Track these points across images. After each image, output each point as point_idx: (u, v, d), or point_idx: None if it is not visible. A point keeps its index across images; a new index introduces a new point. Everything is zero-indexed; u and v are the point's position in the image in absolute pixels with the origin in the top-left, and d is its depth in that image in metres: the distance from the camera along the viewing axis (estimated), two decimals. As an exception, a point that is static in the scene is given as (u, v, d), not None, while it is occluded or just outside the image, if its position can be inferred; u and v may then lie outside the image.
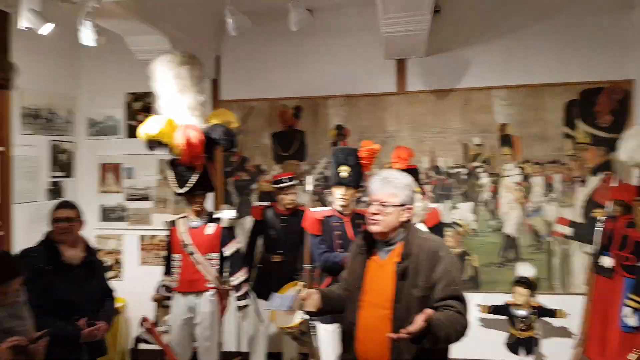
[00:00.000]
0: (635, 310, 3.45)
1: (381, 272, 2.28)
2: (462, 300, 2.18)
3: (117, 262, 5.10)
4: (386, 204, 2.24)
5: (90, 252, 3.19)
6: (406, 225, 2.31)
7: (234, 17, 3.08)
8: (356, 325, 2.29)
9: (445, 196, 4.60)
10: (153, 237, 5.04)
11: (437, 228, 3.72)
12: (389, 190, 2.26)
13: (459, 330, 2.10)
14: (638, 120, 4.15)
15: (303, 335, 3.72)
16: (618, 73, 4.29)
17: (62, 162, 4.88)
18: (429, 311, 1.98)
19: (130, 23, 3.60)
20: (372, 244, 2.37)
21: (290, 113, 4.84)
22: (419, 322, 1.94)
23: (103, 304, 3.20)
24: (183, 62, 3.51)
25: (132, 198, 5.08)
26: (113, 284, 4.76)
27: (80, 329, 2.92)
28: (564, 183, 4.41)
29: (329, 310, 2.46)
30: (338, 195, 3.48)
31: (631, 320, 3.49)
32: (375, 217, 2.26)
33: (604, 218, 4.03)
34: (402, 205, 2.26)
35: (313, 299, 2.34)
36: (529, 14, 4.44)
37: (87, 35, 3.26)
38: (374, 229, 2.28)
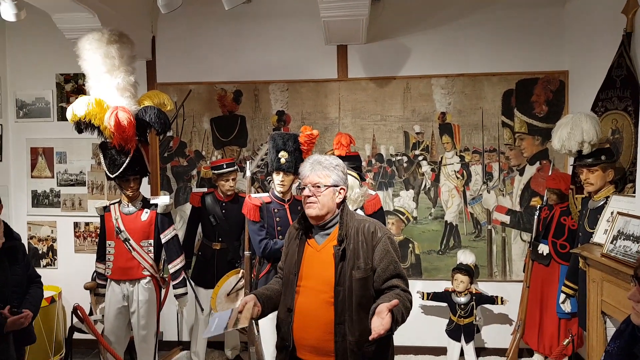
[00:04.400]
0: (570, 296, 3.52)
1: (319, 256, 2.26)
2: (402, 277, 2.22)
3: (51, 249, 4.90)
4: (319, 185, 2.22)
5: (11, 237, 3.00)
6: (341, 207, 2.29)
7: (164, -7, 2.96)
8: (294, 312, 2.25)
9: (387, 184, 4.63)
10: (88, 224, 4.88)
11: (379, 215, 3.71)
12: (320, 171, 2.24)
13: (408, 307, 2.13)
14: (572, 109, 4.27)
15: (244, 324, 3.68)
16: (553, 64, 4.41)
17: (-11, 145, 4.66)
18: (394, 302, 2.00)
19: (56, -2, 3.42)
20: (308, 229, 2.34)
21: (230, 98, 4.74)
22: (385, 314, 1.95)
23: (28, 291, 3.05)
24: (112, 40, 3.34)
25: (66, 183, 4.89)
26: (47, 271, 4.67)
27: (4, 317, 2.77)
28: (503, 171, 4.51)
29: (272, 309, 2.37)
30: (277, 181, 3.45)
31: (566, 307, 3.58)
32: (310, 199, 2.23)
33: (540, 206, 4.15)
34: (335, 185, 2.25)
35: (247, 309, 2.20)
36: (467, 4, 4.49)
37: (6, 10, 3.09)
38: (311, 212, 2.25)
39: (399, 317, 2.02)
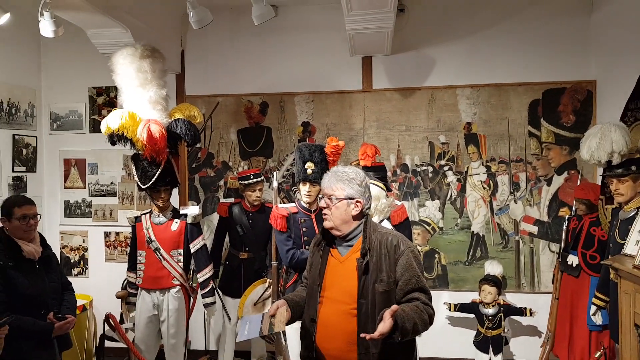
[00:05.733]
0: (601, 308, 3.45)
1: (342, 268, 2.27)
2: (425, 291, 2.20)
3: (82, 258, 5.02)
4: (332, 197, 2.25)
5: (46, 246, 3.12)
6: (364, 220, 2.30)
7: (195, 9, 3.05)
8: (316, 322, 2.26)
9: (413, 194, 4.62)
10: (118, 233, 4.98)
11: (404, 225, 3.71)
12: (334, 184, 2.27)
13: (425, 319, 2.11)
14: (600, 119, 4.21)
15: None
16: (580, 74, 4.37)
17: (24, 157, 4.79)
18: (394, 307, 1.99)
19: (91, 15, 3.53)
20: (331, 239, 2.35)
21: (256, 109, 4.82)
22: (387, 319, 1.94)
23: (63, 297, 3.15)
24: (145, 55, 3.45)
25: (97, 194, 5.02)
26: (79, 280, 4.78)
27: (52, 323, 2.88)
28: (530, 181, 4.48)
29: (300, 316, 2.38)
30: (304, 192, 3.47)
31: (597, 319, 3.51)
32: (325, 211, 2.27)
33: (569, 217, 4.09)
34: (349, 198, 2.25)
35: (281, 314, 2.22)
36: (493, 14, 4.50)
37: (45, 27, 3.21)
38: (325, 224, 2.29)
39: (407, 325, 1.99)
